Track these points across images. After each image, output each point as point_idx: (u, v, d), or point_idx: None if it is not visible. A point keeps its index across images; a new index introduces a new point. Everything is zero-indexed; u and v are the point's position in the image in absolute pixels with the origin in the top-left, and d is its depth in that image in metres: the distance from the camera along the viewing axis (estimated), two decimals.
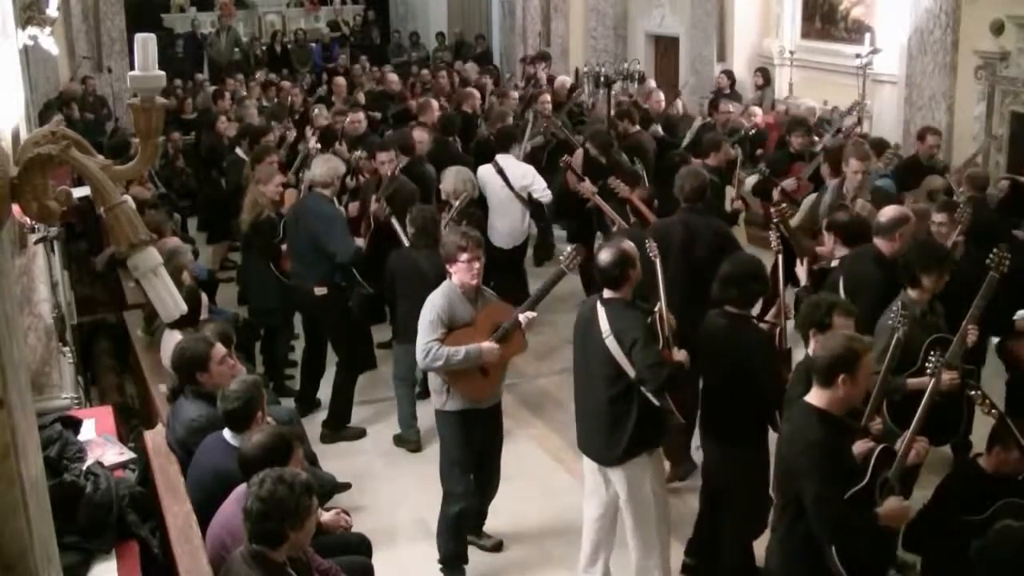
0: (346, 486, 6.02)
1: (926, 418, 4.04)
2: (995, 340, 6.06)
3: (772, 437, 4.57)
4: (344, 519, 4.66)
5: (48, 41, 6.95)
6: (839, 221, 5.97)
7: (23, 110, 4.38)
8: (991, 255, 4.94)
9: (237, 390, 4.48)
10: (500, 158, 8.42)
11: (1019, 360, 5.85)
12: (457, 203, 7.25)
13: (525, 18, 17.05)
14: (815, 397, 3.82)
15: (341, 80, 13.59)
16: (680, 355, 4.73)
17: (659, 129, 10.10)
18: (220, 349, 4.97)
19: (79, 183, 3.72)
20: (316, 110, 10.81)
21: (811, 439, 3.69)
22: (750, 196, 8.40)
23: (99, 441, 4.78)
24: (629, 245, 4.85)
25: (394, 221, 7.11)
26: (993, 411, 4.38)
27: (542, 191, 8.39)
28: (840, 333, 4.04)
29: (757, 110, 10.76)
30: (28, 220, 2.77)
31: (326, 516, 4.52)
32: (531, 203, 8.47)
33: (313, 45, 19.90)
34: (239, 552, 3.63)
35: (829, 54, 12.34)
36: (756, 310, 4.96)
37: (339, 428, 7.01)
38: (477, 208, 7.89)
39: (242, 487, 3.87)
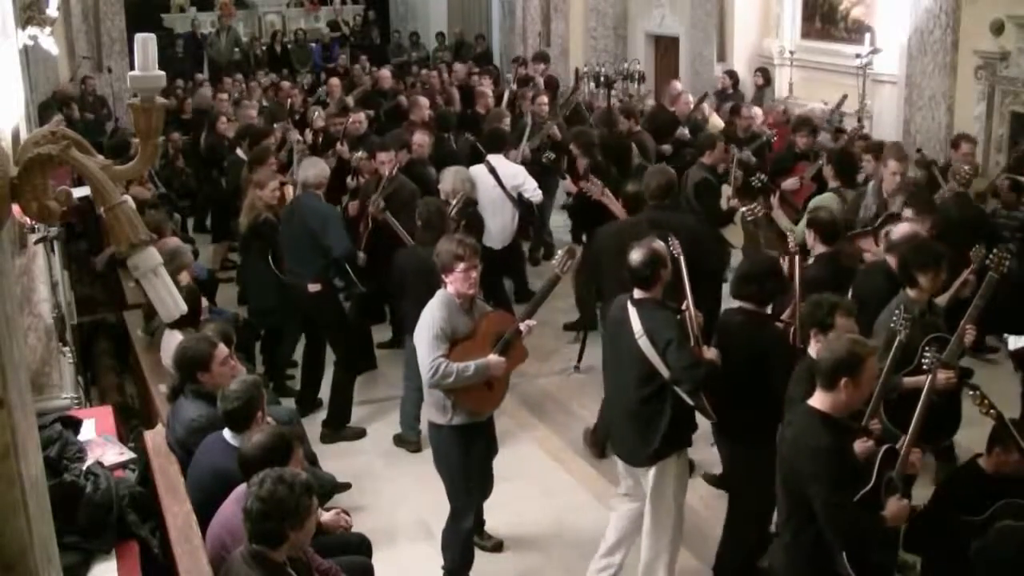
0: (346, 486, 6.02)
1: (925, 419, 4.04)
2: (1011, 341, 6.04)
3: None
4: (344, 519, 4.66)
5: (48, 41, 6.96)
6: (819, 219, 6.02)
7: (23, 110, 4.39)
8: (991, 255, 4.95)
9: (237, 390, 4.48)
10: (492, 158, 8.48)
11: None
12: (455, 202, 7.26)
13: (525, 18, 17.05)
14: (818, 400, 3.82)
15: (336, 81, 13.60)
16: (711, 353, 4.76)
17: (686, 132, 10.04)
18: (223, 350, 4.97)
19: (79, 183, 3.73)
20: (316, 112, 10.82)
21: (817, 445, 3.69)
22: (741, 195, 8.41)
23: (99, 441, 4.78)
24: (660, 245, 4.88)
25: (392, 220, 7.13)
26: (991, 411, 4.38)
27: (533, 191, 8.47)
28: (845, 336, 4.04)
29: (757, 110, 10.75)
30: (28, 220, 2.77)
31: (326, 516, 4.52)
32: (521, 203, 8.52)
33: (313, 45, 19.90)
34: (239, 552, 3.63)
35: (829, 54, 12.33)
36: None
37: (339, 428, 7.01)
38: (475, 208, 7.90)
39: (242, 487, 3.87)
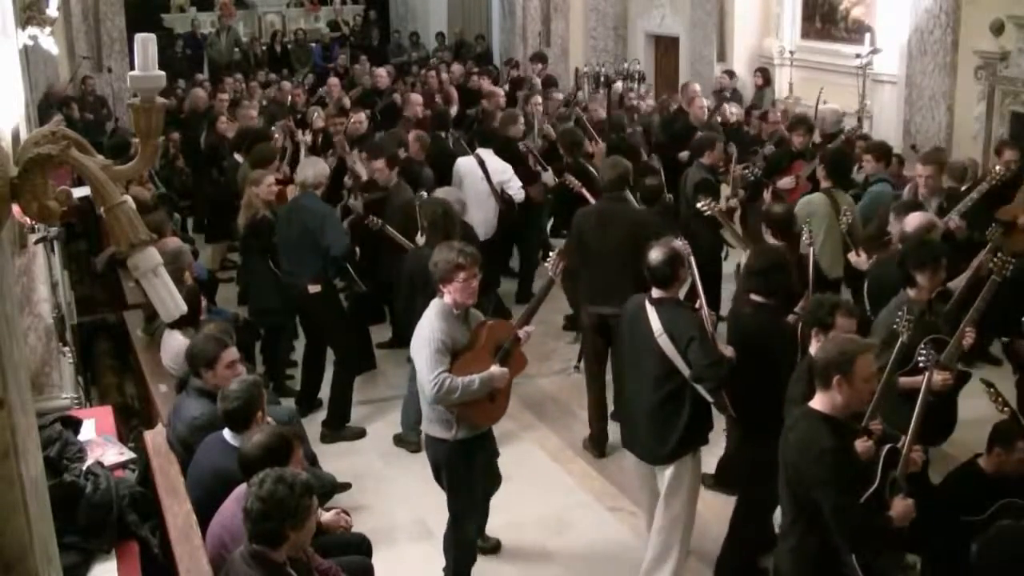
0: (346, 486, 6.02)
1: (923, 420, 4.04)
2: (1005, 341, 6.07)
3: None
4: (344, 519, 4.66)
5: (48, 41, 6.96)
6: (771, 214, 6.19)
7: (23, 110, 4.39)
8: (994, 259, 4.93)
9: (237, 390, 4.48)
10: (481, 151, 8.64)
11: None
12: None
13: (525, 18, 17.05)
14: (817, 402, 3.82)
15: (335, 80, 13.61)
16: (728, 350, 4.80)
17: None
18: (232, 353, 4.94)
19: (79, 183, 3.73)
20: (315, 112, 10.83)
21: (821, 447, 3.68)
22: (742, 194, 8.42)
23: (99, 441, 4.78)
24: (679, 244, 4.95)
25: (391, 231, 7.13)
26: (1006, 408, 4.39)
27: (517, 189, 8.61)
28: (839, 336, 4.05)
29: (734, 108, 10.74)
30: (28, 220, 2.76)
31: (326, 516, 4.52)
32: (502, 200, 8.63)
33: (313, 45, 19.89)
34: (239, 552, 3.63)
35: (829, 54, 12.34)
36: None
37: (339, 428, 7.01)
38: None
39: (242, 487, 3.87)
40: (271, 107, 12.28)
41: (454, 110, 11.70)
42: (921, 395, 4.11)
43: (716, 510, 5.75)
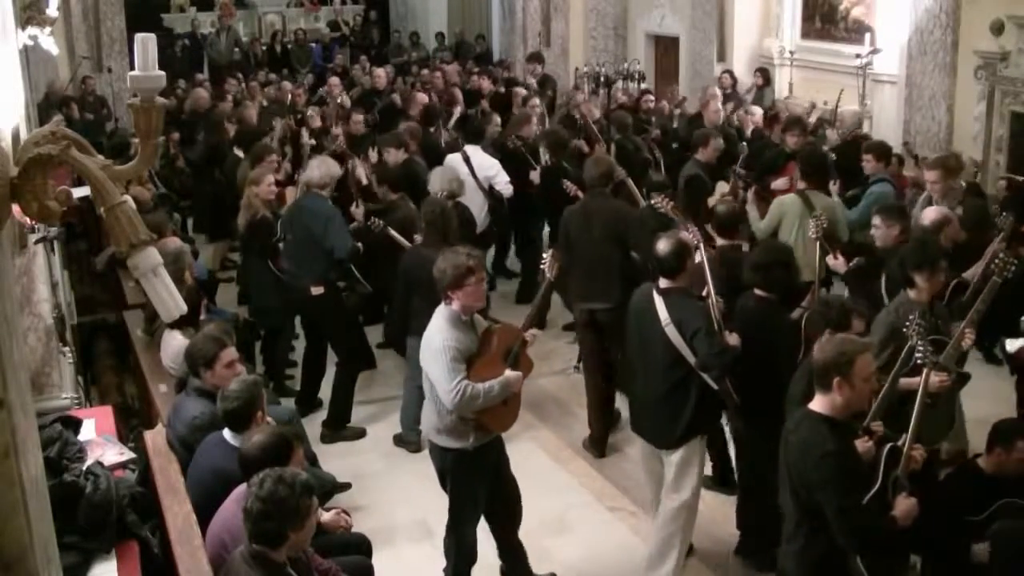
0: (346, 486, 6.02)
1: (921, 421, 4.03)
2: (1008, 344, 6.02)
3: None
4: (344, 519, 4.66)
5: (48, 41, 6.95)
6: (717, 212, 6.32)
7: (23, 110, 4.38)
8: (996, 260, 4.92)
9: (237, 390, 4.48)
10: (468, 148, 8.79)
11: None
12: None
13: (525, 18, 17.06)
14: (818, 403, 3.81)
15: (335, 80, 13.61)
16: (733, 339, 4.90)
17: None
18: (231, 353, 4.94)
19: (79, 183, 3.72)
20: (310, 112, 10.84)
21: (823, 450, 3.68)
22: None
23: (99, 441, 4.77)
24: (686, 235, 5.07)
25: (392, 233, 7.13)
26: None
27: (504, 184, 8.70)
28: (837, 337, 4.05)
29: (757, 110, 10.72)
30: (28, 220, 2.76)
31: (326, 516, 4.52)
32: (492, 196, 8.70)
33: (313, 45, 19.88)
34: (239, 552, 3.63)
35: (829, 54, 12.33)
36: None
37: (339, 428, 7.01)
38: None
39: (242, 487, 3.87)
40: (271, 107, 12.27)
41: (458, 110, 11.69)
42: (918, 398, 4.10)
43: (716, 510, 5.75)
